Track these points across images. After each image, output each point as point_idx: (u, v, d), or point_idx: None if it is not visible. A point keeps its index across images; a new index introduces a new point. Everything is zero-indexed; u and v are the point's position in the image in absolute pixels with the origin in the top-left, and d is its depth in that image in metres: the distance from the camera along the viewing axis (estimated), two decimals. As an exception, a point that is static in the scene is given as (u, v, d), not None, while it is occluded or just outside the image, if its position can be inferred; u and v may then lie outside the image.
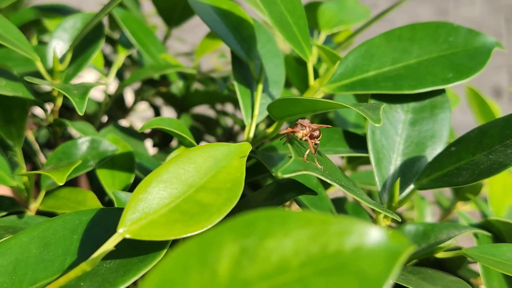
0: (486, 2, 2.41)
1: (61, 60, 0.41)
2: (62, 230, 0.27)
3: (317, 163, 0.28)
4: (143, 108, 0.78)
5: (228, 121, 0.65)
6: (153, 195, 0.25)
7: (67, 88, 0.33)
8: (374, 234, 0.16)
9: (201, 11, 0.40)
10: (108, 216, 0.28)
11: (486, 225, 0.40)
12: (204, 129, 0.65)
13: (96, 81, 0.44)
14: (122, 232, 0.23)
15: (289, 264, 0.16)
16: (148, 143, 0.68)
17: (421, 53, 0.40)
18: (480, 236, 0.38)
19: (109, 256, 0.26)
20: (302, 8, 0.37)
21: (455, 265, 0.44)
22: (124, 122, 0.69)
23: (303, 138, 0.28)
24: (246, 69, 0.40)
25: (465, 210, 0.57)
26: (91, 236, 0.27)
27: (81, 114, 0.31)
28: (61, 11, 0.58)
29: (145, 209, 0.24)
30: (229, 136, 0.61)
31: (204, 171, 0.26)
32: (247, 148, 0.28)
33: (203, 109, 0.69)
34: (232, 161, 0.27)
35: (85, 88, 0.34)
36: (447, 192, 0.64)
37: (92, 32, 0.43)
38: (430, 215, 0.55)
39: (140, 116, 0.84)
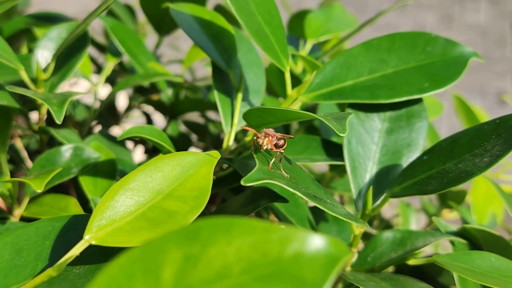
0: (491, 8, 2.42)
1: (45, 69, 0.42)
2: (35, 236, 0.28)
3: (283, 171, 0.28)
4: (137, 115, 0.79)
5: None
6: (120, 202, 0.25)
7: (46, 97, 0.34)
8: (314, 242, 0.17)
9: (183, 21, 0.41)
10: (81, 222, 0.29)
11: (463, 232, 0.40)
12: (195, 136, 0.66)
13: (82, 91, 0.45)
14: (88, 238, 0.24)
15: (231, 271, 0.17)
16: (141, 149, 0.69)
17: (398, 63, 0.40)
18: (456, 243, 0.39)
19: (79, 261, 0.27)
20: (280, 19, 0.38)
21: (435, 272, 0.45)
22: (117, 129, 0.70)
23: (267, 147, 0.29)
24: (226, 78, 0.41)
25: (451, 217, 0.57)
26: (63, 242, 0.28)
27: (58, 122, 0.32)
28: (54, 20, 0.59)
29: (112, 216, 0.25)
30: (217, 143, 0.61)
31: (171, 180, 0.27)
32: (216, 157, 0.28)
33: (196, 116, 0.70)
34: (200, 170, 0.27)
35: (65, 97, 0.34)
36: (435, 199, 0.65)
37: (77, 41, 0.43)
38: (415, 222, 0.55)
39: (135, 123, 0.85)
